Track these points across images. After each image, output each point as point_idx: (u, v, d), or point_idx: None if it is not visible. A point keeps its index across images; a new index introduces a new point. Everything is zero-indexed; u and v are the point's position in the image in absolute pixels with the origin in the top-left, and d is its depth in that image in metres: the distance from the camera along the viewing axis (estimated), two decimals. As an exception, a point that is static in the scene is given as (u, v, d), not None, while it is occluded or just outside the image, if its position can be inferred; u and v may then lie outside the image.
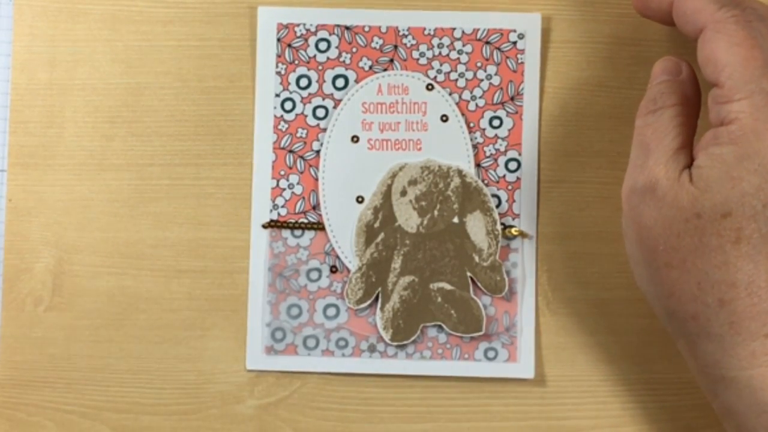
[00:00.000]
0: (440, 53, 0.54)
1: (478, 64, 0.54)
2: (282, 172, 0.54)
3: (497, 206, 0.54)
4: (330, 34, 0.54)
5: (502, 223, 0.54)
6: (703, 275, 0.45)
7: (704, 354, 0.46)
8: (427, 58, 0.54)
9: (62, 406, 0.53)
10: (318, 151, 0.54)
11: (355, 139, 0.54)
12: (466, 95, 0.54)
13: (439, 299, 0.53)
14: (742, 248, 0.44)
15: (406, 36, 0.54)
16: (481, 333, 0.53)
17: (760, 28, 0.46)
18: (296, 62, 0.54)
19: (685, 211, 0.45)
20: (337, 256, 0.54)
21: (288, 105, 0.54)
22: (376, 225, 0.54)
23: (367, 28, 0.54)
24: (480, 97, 0.54)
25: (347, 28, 0.54)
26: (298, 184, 0.54)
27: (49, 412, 0.53)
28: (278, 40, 0.54)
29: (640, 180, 0.47)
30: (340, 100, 0.54)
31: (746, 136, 0.44)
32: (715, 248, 0.44)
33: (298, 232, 0.54)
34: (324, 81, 0.54)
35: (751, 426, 0.44)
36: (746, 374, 0.44)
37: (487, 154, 0.54)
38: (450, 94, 0.54)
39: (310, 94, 0.54)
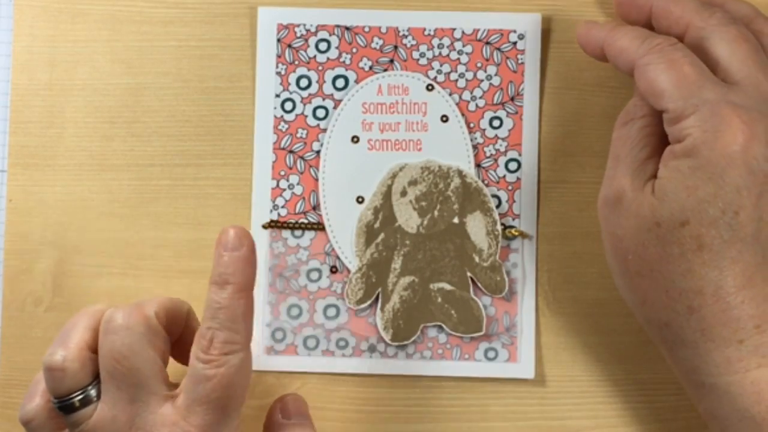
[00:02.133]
0: (440, 53, 0.54)
1: (478, 65, 0.54)
2: (282, 173, 0.54)
3: (497, 206, 0.54)
4: (330, 35, 0.54)
5: (502, 224, 0.54)
6: (670, 283, 0.45)
7: (682, 361, 0.46)
8: (428, 59, 0.54)
9: (62, 407, 0.53)
10: (318, 152, 0.54)
11: (355, 139, 0.54)
12: (466, 95, 0.54)
13: (440, 299, 0.53)
14: (705, 255, 0.44)
15: (406, 36, 0.54)
16: (481, 333, 0.53)
17: (685, 47, 0.47)
18: (296, 63, 0.54)
19: (646, 220, 0.45)
20: (338, 257, 0.54)
21: (288, 105, 0.54)
22: (377, 225, 0.54)
23: (367, 29, 0.54)
24: (480, 98, 0.54)
25: (347, 28, 0.54)
26: (298, 184, 0.54)
27: (49, 412, 0.53)
28: (278, 40, 0.54)
29: (609, 191, 0.48)
30: (340, 101, 0.54)
31: (698, 148, 0.44)
32: (678, 257, 0.45)
33: (298, 233, 0.54)
34: (324, 81, 0.54)
35: (734, 430, 0.44)
36: (724, 380, 0.44)
37: (487, 154, 0.54)
38: (450, 95, 0.54)
39: (310, 94, 0.54)
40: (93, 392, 0.46)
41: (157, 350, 0.47)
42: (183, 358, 0.49)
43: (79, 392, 0.46)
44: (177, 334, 0.49)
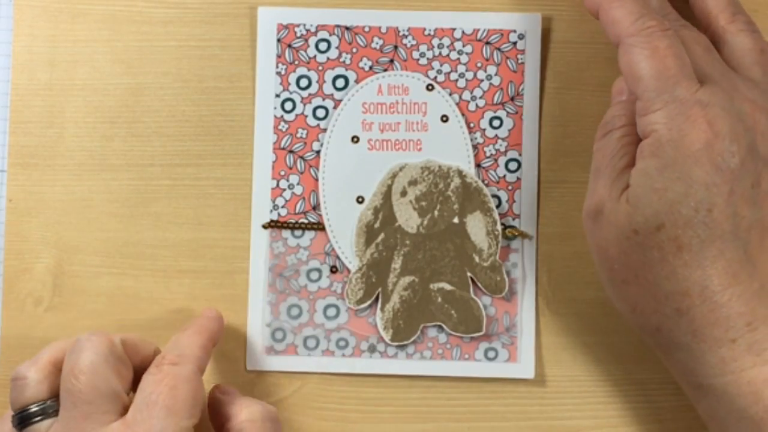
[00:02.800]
0: (440, 53, 0.54)
1: (479, 65, 0.54)
2: (282, 173, 0.54)
3: (497, 206, 0.54)
4: (330, 35, 0.54)
5: (502, 224, 0.54)
6: (656, 288, 0.45)
7: (678, 363, 0.46)
8: (428, 59, 0.54)
9: (62, 407, 0.53)
10: (318, 152, 0.54)
11: (355, 139, 0.54)
12: (467, 95, 0.54)
13: (440, 299, 0.53)
14: (685, 256, 0.44)
15: (406, 36, 0.54)
16: (481, 333, 0.53)
17: (680, 36, 0.47)
18: (296, 63, 0.54)
19: (624, 229, 0.45)
20: (338, 257, 0.54)
21: (288, 105, 0.54)
22: (377, 225, 0.54)
23: (367, 29, 0.54)
24: (480, 98, 0.54)
25: (347, 28, 0.54)
26: (298, 184, 0.54)
27: (49, 412, 0.53)
28: (278, 40, 0.54)
29: (591, 203, 0.48)
30: (340, 101, 0.54)
31: (663, 147, 0.45)
32: (659, 261, 0.45)
33: (298, 233, 0.54)
34: (324, 81, 0.54)
35: (733, 431, 0.44)
36: (720, 381, 0.44)
37: (488, 154, 0.54)
38: (450, 95, 0.54)
39: (310, 94, 0.54)
40: (50, 409, 0.47)
41: (117, 374, 0.47)
42: None
43: (36, 404, 0.47)
44: (139, 366, 0.49)
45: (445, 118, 0.54)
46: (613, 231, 0.46)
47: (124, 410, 0.47)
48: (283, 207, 0.54)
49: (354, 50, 0.54)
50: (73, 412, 0.46)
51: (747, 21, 0.50)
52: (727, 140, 0.44)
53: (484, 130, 0.54)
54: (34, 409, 0.47)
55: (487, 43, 0.54)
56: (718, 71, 0.47)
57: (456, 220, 0.53)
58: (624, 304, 0.47)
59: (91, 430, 0.45)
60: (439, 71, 0.54)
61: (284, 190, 0.54)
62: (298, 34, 0.54)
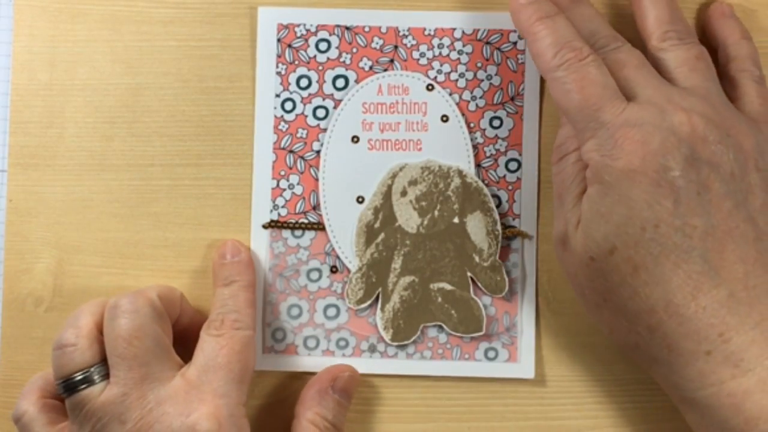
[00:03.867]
0: (440, 53, 0.54)
1: (479, 65, 0.54)
2: (282, 173, 0.54)
3: (497, 206, 0.54)
4: (330, 35, 0.54)
5: (502, 223, 0.54)
6: (624, 309, 0.46)
7: (663, 379, 0.47)
8: (428, 59, 0.54)
9: (62, 407, 0.53)
10: (318, 152, 0.54)
11: (355, 139, 0.54)
12: (467, 95, 0.54)
13: (440, 299, 0.53)
14: (642, 276, 0.44)
15: (406, 36, 0.54)
16: (481, 333, 0.53)
17: (610, 59, 0.48)
18: (296, 62, 0.54)
19: (582, 256, 0.46)
20: (338, 257, 0.54)
21: (288, 105, 0.54)
22: (377, 225, 0.54)
23: (367, 29, 0.54)
24: (480, 98, 0.54)
25: (347, 28, 0.54)
26: (298, 184, 0.54)
27: (49, 412, 0.53)
28: (278, 40, 0.54)
29: (557, 232, 0.49)
30: (340, 101, 0.54)
31: (599, 173, 0.45)
32: (620, 283, 0.45)
33: (298, 233, 0.54)
34: (324, 81, 0.54)
35: None
36: (701, 394, 0.44)
37: (488, 154, 0.54)
38: (450, 95, 0.54)
39: (310, 94, 0.54)
40: (100, 373, 0.48)
41: (164, 331, 0.49)
42: (181, 339, 0.51)
43: (87, 369, 0.47)
44: (174, 317, 0.51)
45: (445, 118, 0.54)
46: (575, 259, 0.47)
47: (177, 365, 0.49)
48: (283, 207, 0.54)
49: (354, 50, 0.54)
50: (130, 374, 0.47)
51: (680, 35, 0.50)
52: (660, 155, 0.44)
53: (484, 130, 0.54)
54: (81, 376, 0.47)
55: (487, 43, 0.54)
56: (651, 86, 0.47)
57: (456, 220, 0.53)
58: (602, 326, 0.48)
59: (151, 390, 0.47)
60: (439, 71, 0.54)
61: (284, 190, 0.54)
62: (298, 34, 0.54)
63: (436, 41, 0.54)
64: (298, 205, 0.54)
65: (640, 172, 0.44)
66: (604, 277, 0.45)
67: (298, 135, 0.54)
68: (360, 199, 0.54)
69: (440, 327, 0.53)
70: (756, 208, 0.45)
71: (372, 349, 0.54)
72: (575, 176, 0.48)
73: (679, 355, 0.44)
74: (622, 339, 0.47)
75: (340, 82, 0.54)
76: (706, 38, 0.53)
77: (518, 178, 0.54)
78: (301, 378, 0.54)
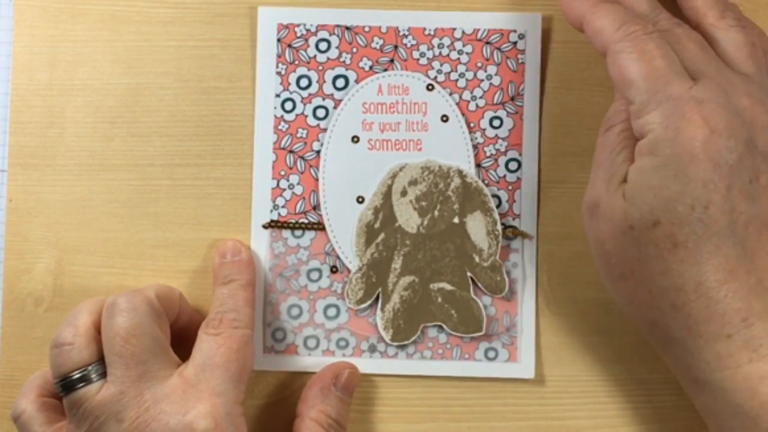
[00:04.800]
0: (440, 53, 0.54)
1: (479, 65, 0.54)
2: (282, 173, 0.54)
3: (497, 206, 0.54)
4: (330, 35, 0.54)
5: (502, 223, 0.54)
6: (651, 283, 0.45)
7: (675, 359, 0.46)
8: (428, 59, 0.54)
9: (62, 407, 0.53)
10: (318, 152, 0.54)
11: (355, 139, 0.54)
12: (467, 95, 0.54)
13: (440, 299, 0.53)
14: (680, 253, 0.44)
15: (406, 36, 0.54)
16: (481, 333, 0.53)
17: (673, 34, 0.47)
18: (296, 62, 0.54)
19: (620, 224, 0.46)
20: (338, 257, 0.54)
21: (288, 105, 0.54)
22: (377, 225, 0.53)
23: (367, 29, 0.54)
24: (480, 97, 0.54)
25: (347, 28, 0.54)
26: (298, 184, 0.54)
27: (49, 412, 0.53)
28: (278, 40, 0.54)
29: (589, 197, 0.48)
30: (340, 101, 0.54)
31: (660, 146, 0.45)
32: (655, 257, 0.45)
33: (298, 233, 0.54)
34: (324, 81, 0.54)
35: (729, 427, 0.44)
36: (717, 376, 0.44)
37: (488, 154, 0.54)
38: (450, 95, 0.54)
39: (310, 94, 0.54)
40: (97, 372, 0.48)
41: (162, 330, 0.49)
42: (180, 339, 0.51)
43: (84, 368, 0.47)
44: (173, 316, 0.51)
45: (445, 118, 0.54)
46: (609, 225, 0.46)
47: (175, 364, 0.49)
48: (283, 207, 0.54)
49: (354, 50, 0.54)
50: (127, 372, 0.47)
51: (736, 17, 0.50)
52: (725, 136, 0.44)
53: (484, 130, 0.54)
54: (78, 375, 0.47)
55: (488, 42, 0.54)
56: (713, 67, 0.47)
57: (456, 220, 0.53)
58: (621, 298, 0.48)
59: (149, 388, 0.47)
60: (439, 71, 0.54)
61: (284, 190, 0.54)
62: (299, 34, 0.54)
63: (436, 41, 0.54)
64: (298, 205, 0.54)
65: (703, 150, 0.44)
66: (639, 248, 0.45)
67: (298, 135, 0.54)
68: (360, 199, 0.54)
69: (440, 327, 0.53)
70: None
71: (372, 349, 0.54)
72: (618, 145, 0.47)
73: (698, 336, 0.44)
74: (641, 314, 0.47)
75: (340, 82, 0.54)
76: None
77: (518, 178, 0.54)
78: (301, 378, 0.54)
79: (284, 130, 0.54)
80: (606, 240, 0.47)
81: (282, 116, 0.54)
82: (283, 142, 0.54)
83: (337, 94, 0.54)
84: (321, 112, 0.54)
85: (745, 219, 0.44)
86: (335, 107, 0.54)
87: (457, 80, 0.54)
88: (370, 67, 0.54)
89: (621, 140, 0.48)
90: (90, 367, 0.47)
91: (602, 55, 0.48)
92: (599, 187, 0.47)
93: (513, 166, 0.54)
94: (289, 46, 0.54)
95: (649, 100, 0.45)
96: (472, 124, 0.54)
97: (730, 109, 0.45)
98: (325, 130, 0.54)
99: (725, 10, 0.50)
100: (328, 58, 0.54)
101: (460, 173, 0.54)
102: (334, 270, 0.54)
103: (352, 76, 0.54)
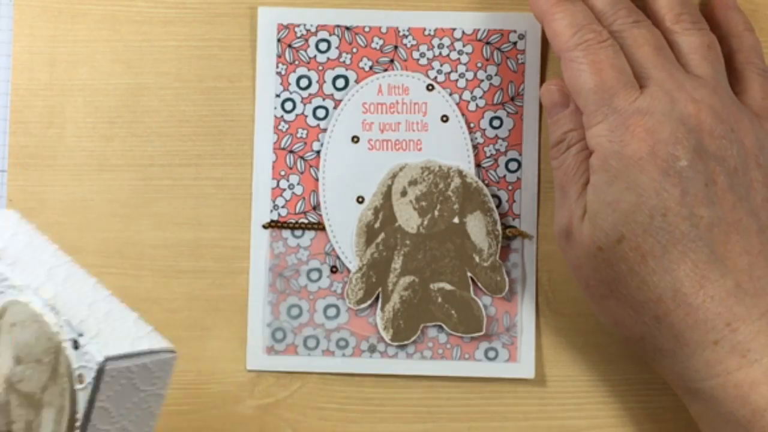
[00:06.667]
0: (440, 53, 0.54)
1: (479, 65, 0.54)
2: (282, 173, 0.54)
3: (497, 206, 0.54)
4: (330, 35, 0.54)
5: (502, 223, 0.53)
6: (631, 299, 0.46)
7: (666, 369, 0.47)
8: (428, 59, 0.54)
9: (62, 407, 0.53)
10: (318, 152, 0.54)
11: (355, 139, 0.54)
12: (467, 95, 0.54)
13: (440, 299, 0.53)
14: (650, 264, 0.44)
15: (406, 36, 0.54)
16: (481, 333, 0.53)
17: (629, 37, 0.48)
18: (296, 62, 0.54)
19: (590, 247, 0.46)
20: (338, 257, 0.54)
21: (288, 105, 0.54)
22: (377, 225, 0.53)
23: (367, 29, 0.54)
24: (480, 98, 0.54)
25: (347, 28, 0.54)
26: (298, 184, 0.54)
27: (49, 412, 0.53)
28: (278, 40, 0.54)
29: (560, 225, 0.49)
30: (340, 101, 0.54)
31: (608, 160, 0.45)
32: (628, 272, 0.45)
33: (298, 233, 0.54)
34: (324, 81, 0.54)
35: None
36: (708, 385, 0.45)
37: (488, 154, 0.54)
38: (450, 95, 0.54)
39: (310, 94, 0.54)
40: None
41: None
42: None
43: None
44: None
45: (445, 118, 0.54)
46: (580, 250, 0.47)
47: None
48: (283, 207, 0.54)
49: (354, 50, 0.54)
50: None
51: (693, 19, 0.50)
52: (670, 145, 0.44)
53: (484, 130, 0.54)
54: None
55: (488, 43, 0.54)
56: (665, 72, 0.47)
57: (456, 220, 0.53)
58: (607, 318, 0.48)
59: None
60: (439, 71, 0.54)
61: (284, 190, 0.54)
62: (299, 34, 0.54)
63: (436, 41, 0.54)
64: (298, 205, 0.54)
65: (649, 160, 0.44)
66: (611, 267, 0.45)
67: (298, 135, 0.54)
68: (360, 199, 0.54)
69: (440, 327, 0.53)
70: (758, 203, 0.46)
71: (372, 349, 0.54)
72: (578, 168, 0.48)
73: (685, 344, 0.45)
74: (627, 330, 0.47)
75: (340, 82, 0.54)
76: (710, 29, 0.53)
77: (518, 178, 0.54)
78: (301, 378, 0.54)
79: (284, 130, 0.54)
80: (581, 264, 0.47)
81: (282, 116, 0.54)
82: (283, 142, 0.54)
83: (337, 94, 0.54)
84: (321, 112, 0.54)
85: (707, 223, 0.44)
86: (335, 107, 0.54)
87: (457, 80, 0.54)
88: (370, 68, 0.54)
89: (580, 162, 0.48)
90: None
91: (558, 58, 0.48)
92: (567, 213, 0.48)
93: (513, 166, 0.54)
94: (289, 46, 0.54)
95: (596, 111, 0.46)
96: (472, 124, 0.54)
97: (674, 117, 0.45)
98: (325, 130, 0.54)
99: (682, 13, 0.50)
100: (328, 58, 0.54)
101: (460, 173, 0.54)
102: (334, 270, 0.54)
103: (352, 76, 0.54)
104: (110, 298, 0.40)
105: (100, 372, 0.36)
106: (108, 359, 0.36)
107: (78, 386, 0.37)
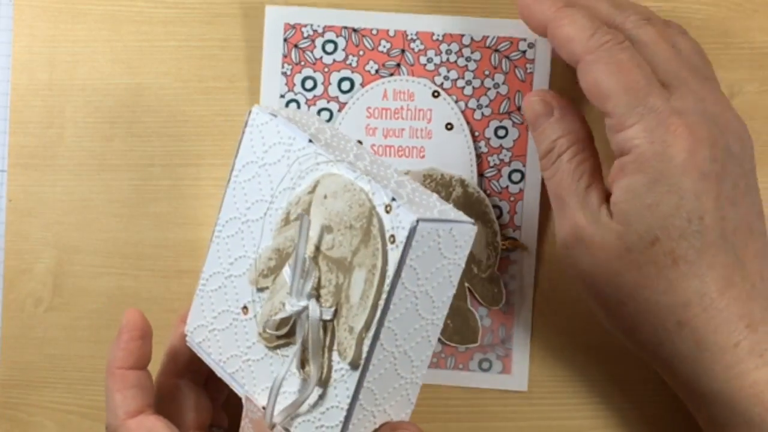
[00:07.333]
0: (448, 59, 0.53)
1: (486, 72, 0.53)
2: (283, 178, 0.54)
3: (498, 217, 0.53)
4: (337, 36, 0.53)
5: (502, 235, 0.53)
6: (654, 304, 0.45)
7: (681, 374, 0.46)
8: (435, 64, 0.53)
9: (62, 406, 0.54)
10: (319, 159, 0.53)
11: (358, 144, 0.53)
12: (473, 103, 0.53)
13: (435, 314, 0.53)
14: (682, 268, 0.44)
15: (414, 40, 0.53)
16: (476, 344, 0.53)
17: (644, 35, 0.46)
18: (302, 63, 0.53)
19: (615, 249, 0.45)
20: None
21: (293, 107, 0.53)
22: (376, 234, 0.53)
23: (375, 31, 0.53)
24: (486, 106, 0.53)
25: (355, 30, 0.53)
26: (298, 190, 0.54)
27: (49, 412, 0.54)
28: (285, 40, 0.53)
29: (566, 233, 0.47)
30: (345, 104, 0.53)
31: (648, 162, 0.44)
32: (656, 276, 0.44)
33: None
34: (329, 83, 0.53)
35: None
36: (726, 387, 0.45)
37: (491, 164, 0.53)
38: (456, 102, 0.53)
39: (315, 96, 0.53)
40: None
41: None
42: None
43: None
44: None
45: (449, 126, 0.53)
46: (600, 254, 0.46)
47: None
48: (282, 213, 0.54)
49: (361, 53, 0.53)
50: None
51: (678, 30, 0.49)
52: (708, 146, 0.44)
53: (488, 139, 0.53)
54: None
55: (496, 50, 0.53)
56: (685, 73, 0.46)
57: (456, 232, 0.53)
58: (622, 326, 0.47)
59: None
60: (446, 77, 0.53)
61: (284, 194, 0.54)
62: (305, 35, 0.53)
63: (444, 47, 0.53)
64: (298, 213, 0.54)
65: (691, 161, 0.44)
66: (638, 270, 0.45)
67: (300, 139, 0.53)
68: (360, 208, 0.53)
69: (435, 336, 0.54)
70: (758, 207, 0.47)
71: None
72: (576, 173, 0.47)
73: (705, 349, 0.45)
74: (645, 337, 0.46)
75: (346, 85, 0.53)
76: None
77: (521, 190, 0.53)
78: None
79: (286, 133, 0.53)
80: (596, 271, 0.46)
81: (284, 119, 0.53)
82: (284, 147, 0.53)
83: (342, 97, 0.53)
84: (325, 115, 0.53)
85: (732, 226, 0.44)
86: (340, 110, 0.53)
87: (463, 87, 0.53)
88: (377, 71, 0.53)
89: (576, 167, 0.47)
90: None
91: (571, 64, 0.47)
92: (575, 219, 0.47)
93: (516, 177, 0.53)
94: (296, 46, 0.53)
95: (629, 113, 0.45)
96: (476, 133, 0.53)
97: (708, 117, 0.45)
98: (327, 134, 0.53)
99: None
100: (335, 60, 0.53)
101: (462, 183, 0.53)
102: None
103: (357, 79, 0.53)
104: (413, 182, 0.43)
105: (412, 231, 0.39)
106: (420, 220, 0.39)
107: (390, 246, 0.39)
